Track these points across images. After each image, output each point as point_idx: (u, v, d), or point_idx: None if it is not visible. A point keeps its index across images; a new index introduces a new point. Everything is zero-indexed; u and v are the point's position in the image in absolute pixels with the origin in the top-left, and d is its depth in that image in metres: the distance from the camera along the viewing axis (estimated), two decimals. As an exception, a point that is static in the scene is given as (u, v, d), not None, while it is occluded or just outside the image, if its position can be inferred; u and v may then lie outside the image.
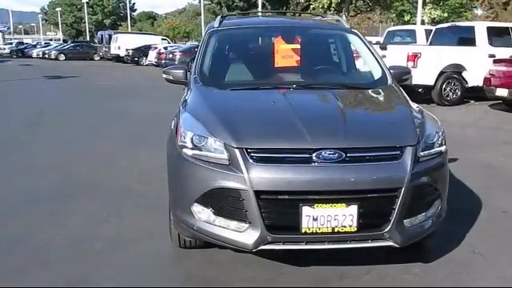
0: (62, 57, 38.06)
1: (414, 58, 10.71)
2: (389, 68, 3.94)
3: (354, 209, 2.67)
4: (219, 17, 4.61)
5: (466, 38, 11.85)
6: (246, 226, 2.72)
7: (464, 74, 11.33)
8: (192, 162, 2.85)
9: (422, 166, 2.83)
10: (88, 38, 60.00)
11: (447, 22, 20.18)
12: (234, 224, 2.77)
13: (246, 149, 2.73)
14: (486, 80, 10.47)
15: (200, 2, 43.85)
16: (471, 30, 11.88)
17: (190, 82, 3.75)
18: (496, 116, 10.05)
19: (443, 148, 3.07)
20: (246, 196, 2.66)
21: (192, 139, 2.89)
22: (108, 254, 3.42)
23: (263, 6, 32.55)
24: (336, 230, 2.69)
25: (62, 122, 9.30)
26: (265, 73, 3.98)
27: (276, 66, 3.96)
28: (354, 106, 3.50)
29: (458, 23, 14.24)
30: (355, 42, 4.29)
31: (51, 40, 67.18)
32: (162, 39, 36.27)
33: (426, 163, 2.87)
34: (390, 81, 3.78)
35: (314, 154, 2.70)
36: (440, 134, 3.09)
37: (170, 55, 25.68)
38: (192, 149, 2.88)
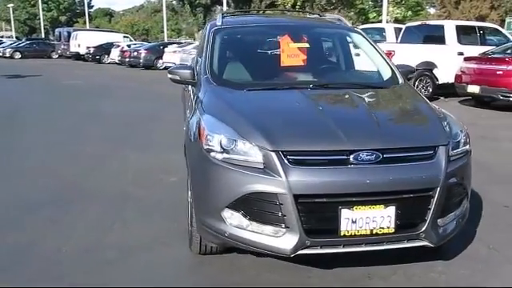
0: (18, 55, 36.46)
1: (388, 55, 10.84)
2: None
3: (391, 210, 2.66)
4: (220, 14, 4.52)
5: (436, 36, 12.16)
6: (284, 230, 2.65)
7: (435, 71, 11.64)
8: (222, 166, 2.75)
9: (453, 165, 2.85)
10: (43, 36, 57.79)
11: (404, 21, 20.68)
12: (269, 229, 2.69)
13: (283, 151, 2.65)
14: (457, 77, 10.79)
15: (161, -2, 43.09)
16: (441, 28, 12.22)
17: (202, 83, 3.63)
18: (468, 112, 10.35)
19: (468, 147, 3.11)
20: (284, 200, 2.59)
21: (221, 142, 2.79)
22: (123, 264, 3.27)
23: (227, 3, 32.32)
24: (374, 231, 2.67)
25: (38, 123, 8.87)
26: (277, 72, 3.92)
27: (282, 64, 3.90)
28: (380, 105, 3.48)
29: (427, 22, 14.62)
30: (360, 41, 4.28)
31: (2, 37, 64.21)
32: (124, 37, 35.42)
33: (456, 162, 2.90)
34: (401, 79, 3.80)
35: (351, 156, 2.66)
36: (464, 132, 3.12)
37: (135, 53, 25.13)
38: (221, 152, 2.78)
